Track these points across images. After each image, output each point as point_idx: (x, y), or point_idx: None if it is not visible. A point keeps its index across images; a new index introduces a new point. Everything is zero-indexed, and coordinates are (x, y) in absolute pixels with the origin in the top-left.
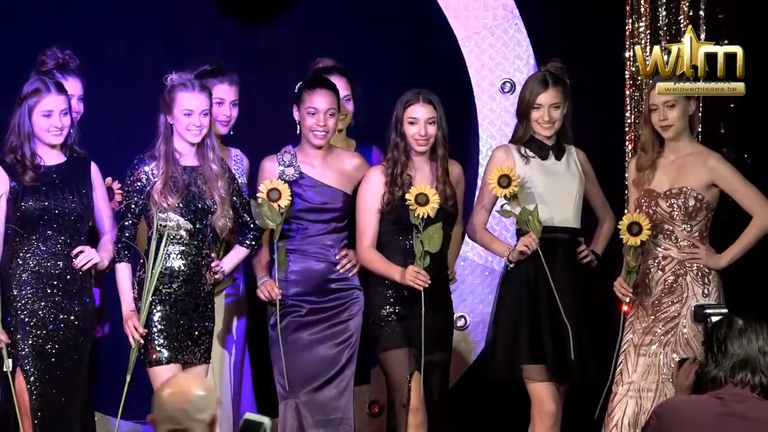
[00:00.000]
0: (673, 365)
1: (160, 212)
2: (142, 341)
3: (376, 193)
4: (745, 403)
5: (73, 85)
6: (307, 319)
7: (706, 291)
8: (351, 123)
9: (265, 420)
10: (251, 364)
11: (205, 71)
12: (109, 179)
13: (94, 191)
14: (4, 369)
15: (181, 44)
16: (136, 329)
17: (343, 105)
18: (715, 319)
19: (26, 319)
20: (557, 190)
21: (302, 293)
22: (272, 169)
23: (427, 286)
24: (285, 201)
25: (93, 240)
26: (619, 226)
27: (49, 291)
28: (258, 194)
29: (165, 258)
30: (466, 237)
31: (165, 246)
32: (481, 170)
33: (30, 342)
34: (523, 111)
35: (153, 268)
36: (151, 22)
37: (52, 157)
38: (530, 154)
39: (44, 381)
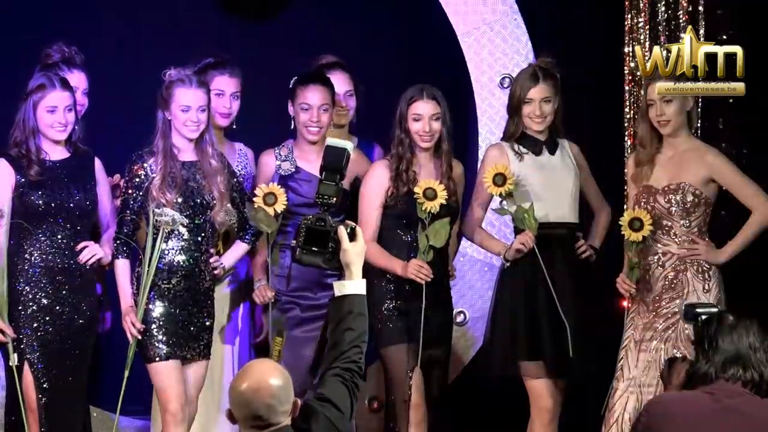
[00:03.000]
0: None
1: (156, 207)
2: (139, 337)
3: (381, 187)
4: (737, 398)
5: (78, 79)
6: (303, 316)
7: (706, 287)
8: (353, 119)
9: (348, 144)
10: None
11: (208, 64)
12: (117, 176)
13: (98, 187)
14: (10, 364)
15: (184, 40)
16: (133, 325)
17: (346, 101)
18: (705, 318)
19: (33, 314)
20: (553, 185)
21: (299, 288)
22: (269, 163)
23: (429, 280)
24: (280, 206)
25: (96, 235)
26: (620, 222)
27: (55, 285)
28: (255, 199)
29: (164, 253)
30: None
31: (161, 241)
32: (479, 166)
33: (37, 336)
34: (515, 107)
35: (149, 264)
36: (153, 18)
37: (56, 153)
38: (524, 150)
39: (51, 375)
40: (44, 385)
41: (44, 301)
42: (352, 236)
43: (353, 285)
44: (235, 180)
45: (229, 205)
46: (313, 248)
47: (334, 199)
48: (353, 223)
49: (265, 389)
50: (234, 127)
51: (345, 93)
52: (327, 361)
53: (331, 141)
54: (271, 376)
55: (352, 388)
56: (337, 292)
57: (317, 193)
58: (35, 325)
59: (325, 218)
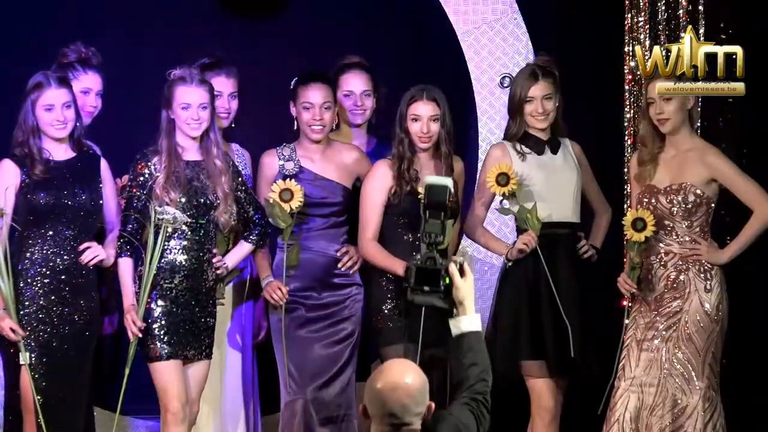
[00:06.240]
0: (674, 360)
1: (159, 206)
2: (140, 335)
3: (383, 186)
4: None
5: (93, 80)
6: (308, 316)
7: (708, 287)
8: (372, 119)
9: (448, 181)
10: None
11: (203, 65)
12: (125, 177)
13: (104, 187)
14: (22, 362)
15: (185, 40)
16: (134, 323)
17: (362, 100)
18: None
19: (33, 314)
20: (555, 185)
21: (304, 288)
22: (272, 163)
23: None
24: (296, 203)
25: (101, 236)
26: (623, 222)
27: (56, 285)
28: (270, 194)
29: (167, 252)
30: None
31: (162, 239)
32: (480, 165)
33: (36, 336)
34: (516, 107)
35: (150, 262)
36: (154, 18)
37: (60, 152)
38: (526, 150)
39: (48, 376)
40: (42, 386)
41: (44, 300)
42: (461, 272)
43: (469, 321)
44: (240, 179)
45: (233, 204)
46: (425, 287)
47: (441, 237)
48: (461, 259)
49: (403, 389)
50: (233, 126)
51: (362, 92)
52: (454, 397)
53: (431, 179)
54: (410, 377)
55: (479, 415)
56: (455, 331)
57: (423, 231)
58: (34, 324)
59: (434, 257)
